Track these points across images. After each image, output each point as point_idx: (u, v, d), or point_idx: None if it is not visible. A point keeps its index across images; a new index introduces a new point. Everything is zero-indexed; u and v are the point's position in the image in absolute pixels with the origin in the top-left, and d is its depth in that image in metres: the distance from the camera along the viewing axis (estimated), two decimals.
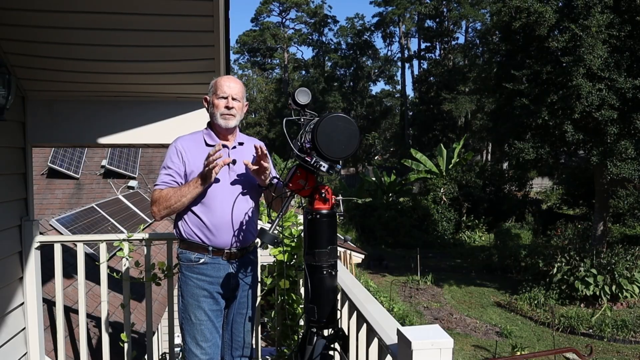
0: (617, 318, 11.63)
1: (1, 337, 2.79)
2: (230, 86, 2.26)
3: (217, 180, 2.24)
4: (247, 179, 2.31)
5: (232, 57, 47.97)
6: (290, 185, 1.86)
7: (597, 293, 12.57)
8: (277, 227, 1.88)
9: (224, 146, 2.31)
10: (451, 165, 22.67)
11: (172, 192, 2.21)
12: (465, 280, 15.96)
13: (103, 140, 3.24)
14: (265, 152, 2.20)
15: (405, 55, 39.32)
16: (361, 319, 1.99)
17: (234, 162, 2.28)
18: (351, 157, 2.20)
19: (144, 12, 2.51)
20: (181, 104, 3.24)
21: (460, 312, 13.00)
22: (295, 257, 2.91)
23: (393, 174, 24.88)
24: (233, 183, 2.28)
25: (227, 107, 2.24)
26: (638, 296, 12.70)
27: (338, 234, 4.70)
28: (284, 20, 45.95)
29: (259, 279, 2.97)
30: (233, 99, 2.25)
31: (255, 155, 2.22)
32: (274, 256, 2.92)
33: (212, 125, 2.33)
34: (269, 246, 1.89)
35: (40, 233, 3.25)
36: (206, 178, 2.14)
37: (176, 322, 2.61)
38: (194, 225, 2.26)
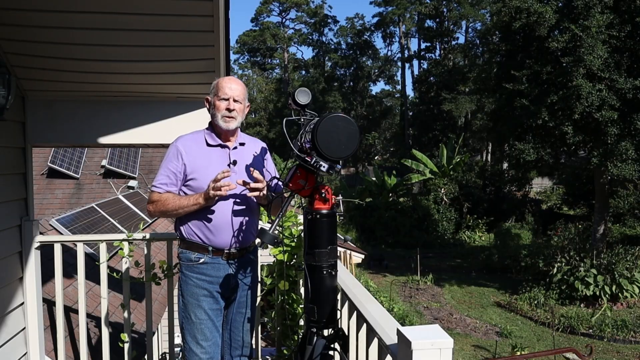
0: (617, 318, 11.63)
1: (1, 337, 2.79)
2: (232, 88, 2.25)
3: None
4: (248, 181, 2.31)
5: (232, 57, 48.01)
6: (290, 185, 1.86)
7: (597, 293, 12.58)
8: (277, 227, 1.88)
9: (225, 147, 2.31)
10: (451, 166, 22.68)
11: (172, 200, 2.23)
12: (465, 280, 15.96)
13: (103, 140, 3.24)
14: (260, 178, 2.17)
15: (405, 55, 39.31)
16: (361, 319, 1.99)
17: (234, 162, 2.29)
18: (351, 157, 2.20)
19: (144, 12, 2.51)
20: (181, 104, 3.24)
21: (460, 312, 13.00)
22: (295, 257, 2.91)
23: (393, 174, 24.88)
24: (234, 185, 2.27)
25: (228, 109, 2.24)
26: (638, 296, 12.71)
27: (338, 234, 4.70)
28: (284, 20, 46.00)
29: (259, 279, 2.96)
30: (235, 100, 2.25)
31: (257, 155, 2.22)
32: (274, 256, 2.92)
33: (213, 126, 2.32)
34: (269, 246, 1.89)
35: (40, 233, 3.25)
36: (208, 200, 2.16)
37: (176, 322, 2.61)
38: (194, 225, 2.27)
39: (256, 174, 2.16)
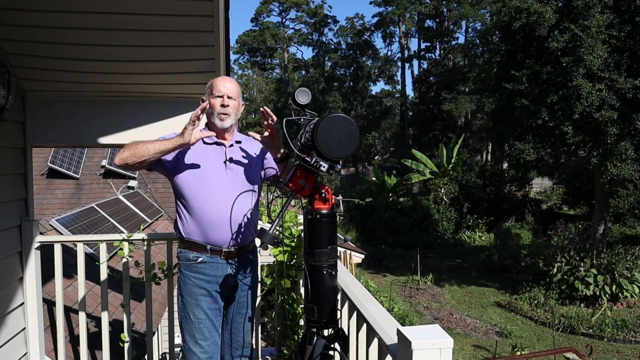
0: (617, 318, 11.63)
1: (1, 337, 2.79)
2: (226, 85, 2.27)
3: (213, 179, 2.25)
4: (245, 178, 2.31)
5: (232, 57, 48.00)
6: (290, 185, 1.86)
7: (597, 293, 12.58)
8: (277, 227, 1.88)
9: (221, 144, 2.32)
10: (451, 165, 22.68)
11: (146, 141, 2.14)
12: (465, 280, 15.96)
13: (103, 140, 3.24)
14: (270, 113, 2.09)
15: (405, 55, 39.33)
16: (361, 319, 1.99)
17: (230, 160, 2.29)
18: (351, 157, 2.20)
19: (144, 12, 2.51)
20: (181, 104, 3.24)
21: (460, 312, 13.00)
22: (295, 257, 2.92)
23: (393, 174, 24.88)
24: (230, 181, 2.28)
25: (223, 106, 2.25)
26: (638, 296, 12.71)
27: (338, 234, 4.71)
28: (284, 20, 46.00)
29: (259, 279, 2.96)
30: (229, 97, 2.26)
31: (257, 155, 2.22)
32: (274, 256, 2.92)
33: (209, 125, 2.34)
34: (269, 246, 1.89)
35: (40, 233, 3.25)
36: (185, 135, 2.06)
37: (176, 322, 2.61)
38: (192, 224, 2.27)
39: (264, 109, 2.09)
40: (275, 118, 2.12)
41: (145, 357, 3.24)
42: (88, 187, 9.93)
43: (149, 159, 2.13)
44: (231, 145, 2.34)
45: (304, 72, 45.44)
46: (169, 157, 2.23)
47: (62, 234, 5.84)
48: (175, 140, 2.09)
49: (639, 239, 17.37)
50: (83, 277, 3.10)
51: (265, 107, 2.10)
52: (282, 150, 2.21)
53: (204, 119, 2.37)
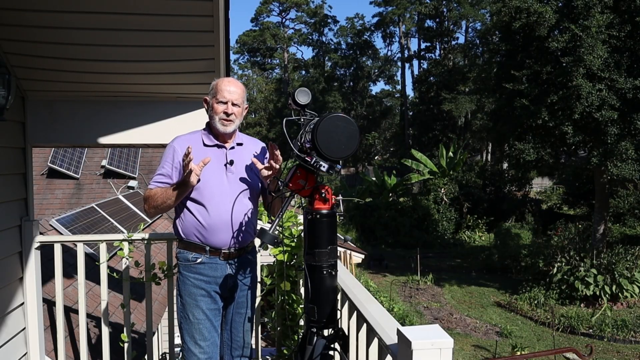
0: (617, 318, 11.64)
1: (1, 337, 2.79)
2: (231, 91, 2.24)
3: (213, 181, 2.25)
4: (245, 180, 2.30)
5: (232, 57, 47.99)
6: (290, 185, 1.86)
7: (597, 293, 12.58)
8: (277, 227, 1.88)
9: (222, 147, 2.31)
10: (451, 165, 22.67)
11: (160, 192, 2.23)
12: (465, 280, 15.96)
13: (103, 140, 3.24)
14: (278, 153, 2.12)
15: (405, 55, 39.32)
16: (361, 319, 1.99)
17: (231, 162, 2.28)
18: (351, 157, 2.20)
19: (144, 12, 2.51)
20: (181, 104, 3.24)
21: (460, 312, 13.00)
22: (295, 257, 2.91)
23: (393, 174, 24.88)
24: (230, 184, 2.27)
25: (226, 113, 2.23)
26: (638, 296, 12.71)
27: (338, 234, 4.71)
28: (283, 20, 45.98)
29: (259, 279, 2.96)
30: (233, 104, 2.24)
31: (257, 155, 2.21)
32: (274, 256, 2.92)
33: (210, 126, 2.32)
34: (269, 246, 1.89)
35: (40, 233, 3.25)
36: (186, 183, 2.13)
37: (176, 322, 2.61)
38: (191, 225, 2.27)
39: (273, 147, 2.12)
40: (280, 160, 2.13)
41: (145, 357, 3.24)
42: (88, 187, 9.93)
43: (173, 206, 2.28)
44: (232, 148, 2.33)
45: (304, 72, 45.42)
46: (177, 169, 2.26)
47: (62, 234, 5.84)
48: (185, 188, 2.16)
49: (639, 239, 17.38)
50: (83, 277, 3.10)
51: (274, 146, 2.12)
52: (276, 183, 2.19)
53: (206, 117, 2.35)
